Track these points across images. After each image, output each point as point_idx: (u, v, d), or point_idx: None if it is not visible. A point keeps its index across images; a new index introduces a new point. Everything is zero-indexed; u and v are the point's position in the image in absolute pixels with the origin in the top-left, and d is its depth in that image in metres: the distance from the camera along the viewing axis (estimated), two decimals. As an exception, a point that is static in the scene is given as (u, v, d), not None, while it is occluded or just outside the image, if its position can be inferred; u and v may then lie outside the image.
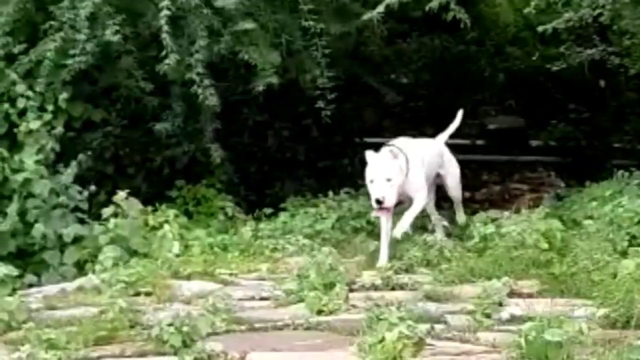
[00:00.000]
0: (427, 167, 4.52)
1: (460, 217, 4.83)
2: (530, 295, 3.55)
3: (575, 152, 7.51)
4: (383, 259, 4.14)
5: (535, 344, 2.69)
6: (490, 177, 7.24)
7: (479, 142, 8.12)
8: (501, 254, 3.99)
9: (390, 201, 4.18)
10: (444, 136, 4.89)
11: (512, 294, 3.50)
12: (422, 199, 4.36)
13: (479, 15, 6.68)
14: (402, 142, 4.47)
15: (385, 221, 4.25)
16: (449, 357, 2.81)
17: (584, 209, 4.74)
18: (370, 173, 4.26)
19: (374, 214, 4.30)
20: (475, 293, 3.47)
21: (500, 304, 3.34)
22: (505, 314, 3.28)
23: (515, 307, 3.32)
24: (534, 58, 6.03)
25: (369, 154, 4.27)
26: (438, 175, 4.75)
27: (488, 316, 3.25)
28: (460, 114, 4.91)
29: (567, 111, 8.34)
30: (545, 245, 3.99)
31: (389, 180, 4.20)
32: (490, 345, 2.93)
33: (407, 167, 4.31)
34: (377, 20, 4.77)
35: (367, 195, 4.32)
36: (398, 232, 4.23)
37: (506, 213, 4.52)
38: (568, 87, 7.91)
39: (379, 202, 4.16)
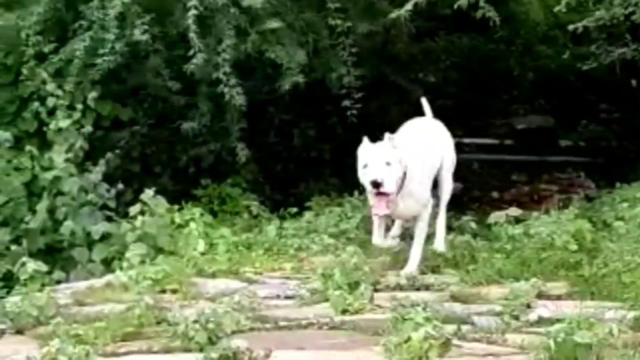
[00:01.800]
0: (429, 169, 3.99)
1: (439, 242, 4.07)
2: (559, 297, 3.49)
3: (606, 152, 7.42)
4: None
5: (565, 346, 2.65)
6: (519, 178, 7.17)
7: (508, 141, 8.07)
8: (529, 255, 3.94)
9: (390, 186, 3.62)
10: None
11: (540, 295, 3.46)
12: (426, 217, 3.88)
13: (508, 14, 6.63)
14: (404, 139, 3.90)
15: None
16: (476, 358, 2.78)
17: (614, 210, 4.68)
18: (364, 157, 3.70)
19: (374, 210, 3.69)
20: (503, 294, 3.42)
21: (529, 306, 3.30)
22: (533, 315, 3.23)
23: (543, 308, 3.27)
24: (564, 57, 5.97)
25: (365, 140, 3.78)
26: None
27: (516, 318, 3.20)
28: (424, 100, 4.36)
29: (598, 111, 8.26)
30: (575, 247, 3.93)
31: (388, 164, 3.66)
32: (518, 347, 2.89)
33: (406, 173, 3.78)
34: (404, 19, 4.74)
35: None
36: (411, 270, 3.83)
37: (535, 214, 4.47)
38: (599, 86, 7.82)
39: (376, 184, 3.60)
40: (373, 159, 3.68)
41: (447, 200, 4.18)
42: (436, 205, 4.14)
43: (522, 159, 7.63)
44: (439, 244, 4.10)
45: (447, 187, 4.18)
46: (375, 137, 3.80)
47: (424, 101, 4.31)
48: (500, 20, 4.80)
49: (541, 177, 7.17)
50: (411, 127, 4.15)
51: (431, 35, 8.10)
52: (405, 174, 3.78)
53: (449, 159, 4.19)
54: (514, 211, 4.58)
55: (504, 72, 8.26)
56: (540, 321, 3.16)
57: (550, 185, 6.88)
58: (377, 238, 4.01)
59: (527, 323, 3.18)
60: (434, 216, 4.11)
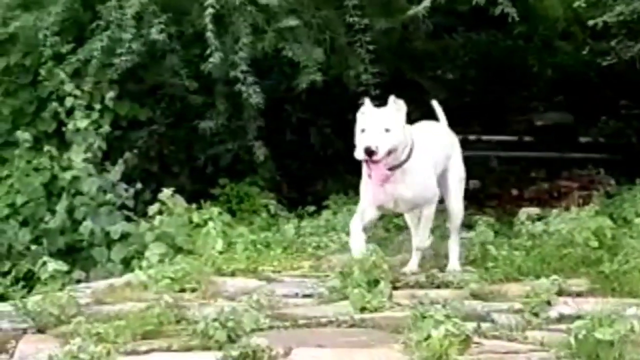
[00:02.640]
0: (434, 161, 3.71)
1: (454, 263, 3.88)
2: (579, 294, 3.46)
3: (626, 149, 7.35)
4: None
5: (586, 343, 2.63)
6: (538, 174, 7.12)
7: (527, 138, 8.03)
8: (550, 252, 3.91)
9: (383, 152, 3.36)
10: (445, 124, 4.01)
11: (561, 292, 3.42)
12: (430, 212, 3.67)
13: (527, 9, 6.58)
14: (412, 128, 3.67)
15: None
16: (496, 355, 2.76)
17: (634, 207, 4.64)
18: (362, 122, 3.45)
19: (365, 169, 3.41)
20: (523, 292, 3.40)
21: (549, 303, 3.27)
22: (554, 312, 3.21)
23: (564, 305, 3.24)
24: (583, 53, 5.91)
25: (367, 102, 3.54)
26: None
27: (536, 315, 3.18)
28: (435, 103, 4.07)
29: (618, 107, 8.19)
30: (595, 244, 3.90)
31: (387, 130, 3.39)
32: (539, 344, 2.87)
33: (412, 150, 3.51)
34: (422, 15, 4.72)
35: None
36: (422, 245, 3.78)
37: (555, 211, 4.44)
38: (618, 82, 7.75)
39: (369, 152, 3.34)
40: (371, 123, 3.41)
41: (459, 225, 3.94)
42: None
43: (541, 156, 7.60)
44: (454, 263, 3.90)
45: (456, 211, 3.89)
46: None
47: (435, 104, 4.06)
48: (519, 16, 4.76)
49: (561, 173, 7.13)
50: (423, 126, 3.91)
51: (449, 32, 8.07)
52: (411, 150, 3.54)
53: (455, 173, 3.88)
54: (533, 210, 4.54)
55: (523, 69, 8.22)
56: (561, 318, 3.14)
57: (569, 182, 6.83)
58: (357, 225, 3.57)
59: (547, 320, 3.15)
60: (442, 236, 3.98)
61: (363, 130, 3.45)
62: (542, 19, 7.85)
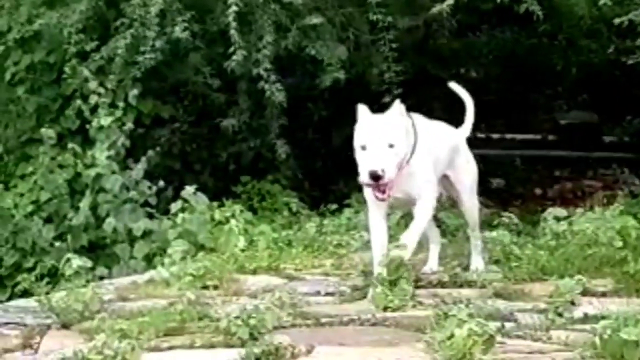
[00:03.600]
0: (434, 160, 3.35)
1: (477, 260, 3.75)
2: (604, 294, 3.43)
3: (651, 148, 7.28)
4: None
5: (611, 343, 2.60)
6: (562, 174, 7.07)
7: (551, 137, 7.98)
8: (574, 251, 3.88)
9: (391, 174, 2.99)
10: (465, 129, 3.71)
11: (585, 292, 3.39)
12: (431, 197, 3.27)
13: (551, 7, 6.53)
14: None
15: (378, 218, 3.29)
16: (520, 355, 2.74)
17: (660, 207, 4.58)
18: (362, 136, 3.05)
19: (371, 190, 3.02)
20: (547, 291, 3.38)
21: (573, 303, 3.24)
22: (578, 312, 3.18)
23: (588, 305, 3.21)
24: (608, 51, 5.87)
25: (363, 110, 3.11)
26: (445, 177, 3.51)
27: (560, 315, 3.15)
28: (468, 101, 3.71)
29: (643, 106, 8.09)
30: (620, 243, 3.86)
31: (391, 146, 3.01)
32: (563, 343, 2.84)
33: (415, 145, 3.15)
34: (446, 13, 4.69)
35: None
36: (408, 242, 3.25)
37: (579, 210, 4.40)
38: (644, 81, 7.67)
39: (376, 177, 2.97)
40: (373, 139, 3.01)
41: (477, 223, 3.74)
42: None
43: (565, 155, 7.56)
44: (477, 262, 3.77)
45: (470, 206, 3.69)
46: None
47: (455, 86, 3.71)
48: (543, 14, 4.72)
49: (585, 173, 7.07)
50: (428, 125, 3.48)
51: (473, 30, 8.03)
52: (414, 145, 3.19)
53: (465, 171, 3.64)
54: (560, 211, 4.50)
55: (547, 67, 8.15)
56: (586, 318, 3.11)
57: (594, 182, 6.78)
58: (378, 256, 3.31)
59: (571, 320, 3.12)
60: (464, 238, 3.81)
61: (364, 147, 3.05)
62: (567, 16, 7.76)
